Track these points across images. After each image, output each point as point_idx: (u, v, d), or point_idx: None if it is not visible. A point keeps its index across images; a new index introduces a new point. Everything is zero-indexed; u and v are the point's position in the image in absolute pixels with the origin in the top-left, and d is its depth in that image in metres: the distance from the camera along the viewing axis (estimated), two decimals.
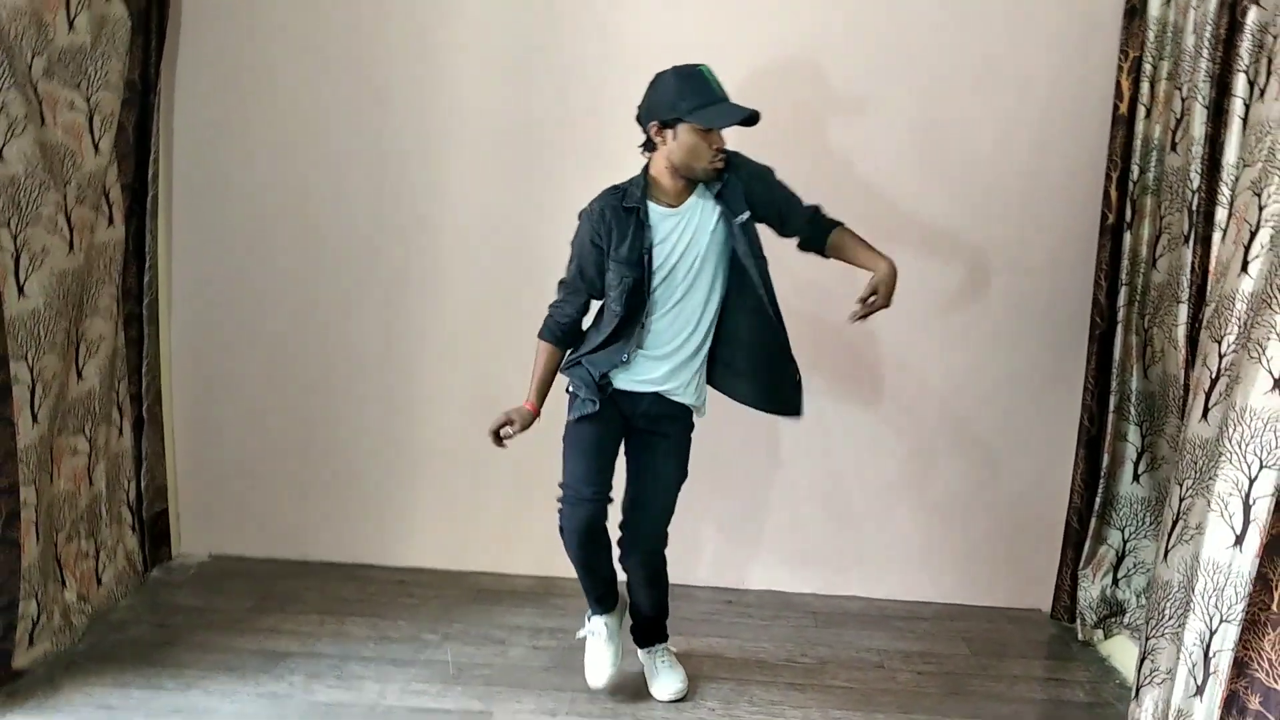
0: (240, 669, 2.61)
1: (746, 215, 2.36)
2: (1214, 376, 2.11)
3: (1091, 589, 3.00)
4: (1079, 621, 3.05)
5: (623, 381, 2.45)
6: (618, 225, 2.35)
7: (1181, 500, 2.17)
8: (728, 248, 2.40)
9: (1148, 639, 2.26)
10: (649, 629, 2.69)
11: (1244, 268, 2.07)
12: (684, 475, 2.53)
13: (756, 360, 2.48)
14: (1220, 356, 2.09)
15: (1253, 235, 2.06)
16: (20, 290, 2.40)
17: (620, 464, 2.54)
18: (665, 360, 2.42)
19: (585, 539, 2.47)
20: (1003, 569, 3.27)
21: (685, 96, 2.25)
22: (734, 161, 2.38)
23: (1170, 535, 2.19)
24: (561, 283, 2.50)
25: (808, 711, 2.58)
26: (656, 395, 2.45)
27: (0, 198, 2.32)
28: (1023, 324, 3.12)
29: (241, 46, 3.06)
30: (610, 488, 2.48)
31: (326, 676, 2.61)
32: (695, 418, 2.53)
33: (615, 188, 2.41)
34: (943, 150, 3.02)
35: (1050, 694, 2.75)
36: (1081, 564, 3.04)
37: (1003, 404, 3.17)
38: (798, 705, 2.60)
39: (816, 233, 2.43)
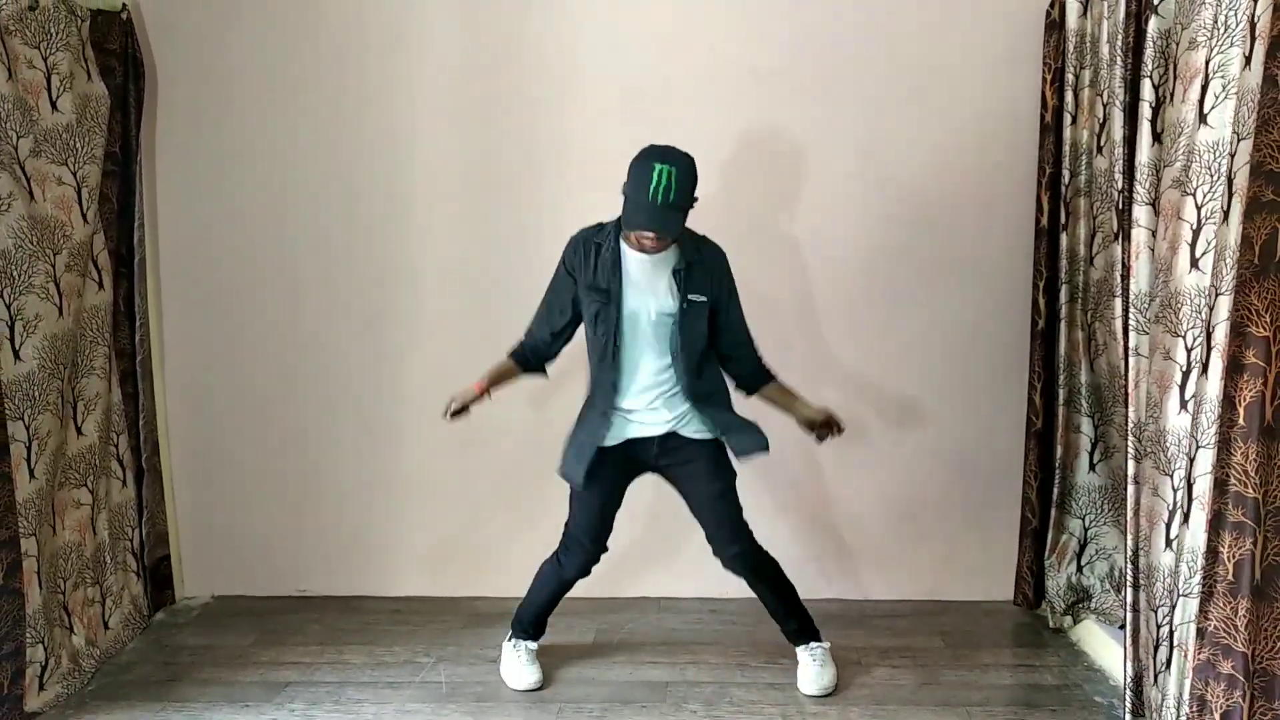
0: (243, 700, 2.75)
1: (705, 300, 2.55)
2: (1184, 369, 2.20)
3: (1058, 577, 3.11)
4: (1048, 609, 3.15)
5: (632, 430, 2.61)
6: (591, 256, 2.57)
7: (1175, 490, 2.22)
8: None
9: (1159, 626, 2.30)
10: (798, 629, 2.83)
11: (1194, 264, 2.15)
12: (732, 476, 2.69)
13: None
14: (1188, 350, 2.17)
15: (1195, 232, 2.15)
16: (16, 355, 2.56)
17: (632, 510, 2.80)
18: (664, 405, 2.60)
19: (564, 583, 2.79)
20: (978, 563, 3.38)
21: (630, 186, 2.43)
22: (714, 251, 2.61)
23: (1169, 525, 2.25)
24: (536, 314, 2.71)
25: (785, 708, 2.69)
26: (671, 434, 2.62)
27: None
28: (972, 327, 3.26)
29: (215, 111, 3.23)
30: (607, 541, 2.74)
31: (325, 702, 2.74)
32: (719, 436, 2.65)
33: (599, 225, 2.62)
34: (884, 166, 3.17)
35: (1020, 679, 2.86)
36: (1046, 553, 3.15)
37: (960, 406, 3.30)
38: (776, 703, 2.72)
39: (757, 379, 2.71)
